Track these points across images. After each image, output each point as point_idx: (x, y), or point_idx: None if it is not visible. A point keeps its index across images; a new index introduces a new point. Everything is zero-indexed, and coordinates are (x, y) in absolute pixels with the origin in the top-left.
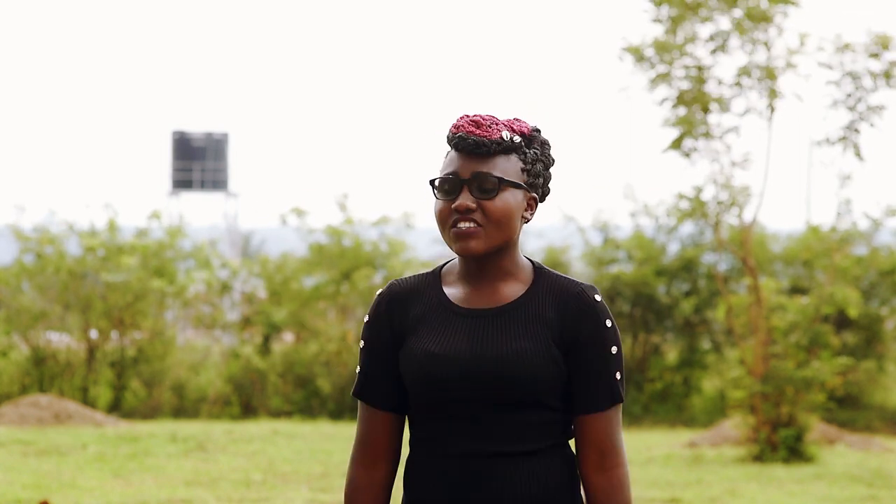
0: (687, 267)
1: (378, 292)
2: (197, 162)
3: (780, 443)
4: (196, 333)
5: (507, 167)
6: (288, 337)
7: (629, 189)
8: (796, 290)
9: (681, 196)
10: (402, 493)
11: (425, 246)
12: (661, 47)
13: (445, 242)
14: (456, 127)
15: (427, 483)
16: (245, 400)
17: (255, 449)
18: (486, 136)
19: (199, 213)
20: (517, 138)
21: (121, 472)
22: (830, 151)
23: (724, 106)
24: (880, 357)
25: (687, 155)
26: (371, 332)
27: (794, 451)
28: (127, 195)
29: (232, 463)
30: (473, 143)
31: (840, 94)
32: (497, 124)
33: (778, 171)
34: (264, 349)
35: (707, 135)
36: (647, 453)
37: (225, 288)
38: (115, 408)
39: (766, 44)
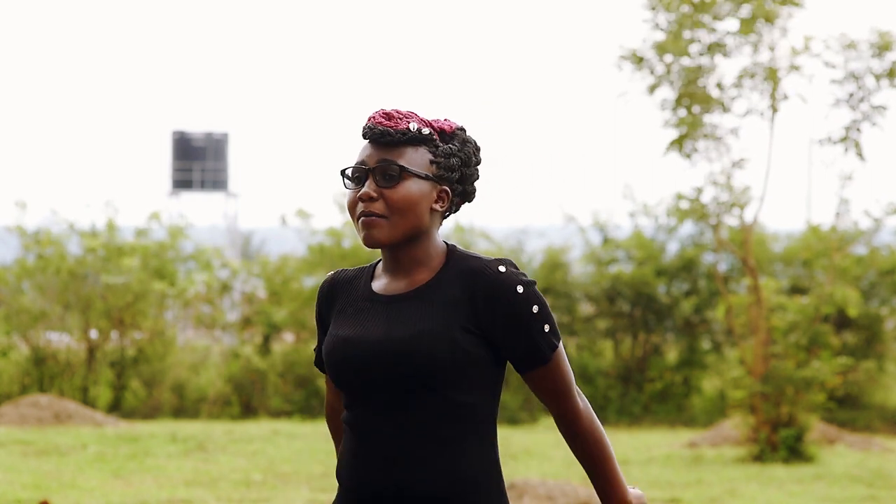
0: (687, 267)
1: (326, 278)
2: (197, 162)
3: (780, 443)
4: (196, 333)
5: (414, 157)
6: (288, 337)
7: (628, 190)
8: (796, 290)
9: (680, 196)
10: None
11: None
12: (662, 48)
13: (356, 233)
14: (369, 118)
15: (347, 465)
16: (245, 400)
17: (255, 449)
18: (392, 127)
19: (199, 213)
20: (426, 130)
21: (121, 472)
22: (832, 151)
23: (725, 107)
24: (880, 357)
25: (688, 156)
26: (316, 313)
27: (794, 451)
28: (127, 195)
29: (232, 463)
30: (380, 133)
31: (842, 94)
32: (410, 118)
33: (778, 170)
34: (264, 349)
35: (708, 136)
36: (647, 453)
37: (225, 288)
38: (115, 408)
39: (770, 46)
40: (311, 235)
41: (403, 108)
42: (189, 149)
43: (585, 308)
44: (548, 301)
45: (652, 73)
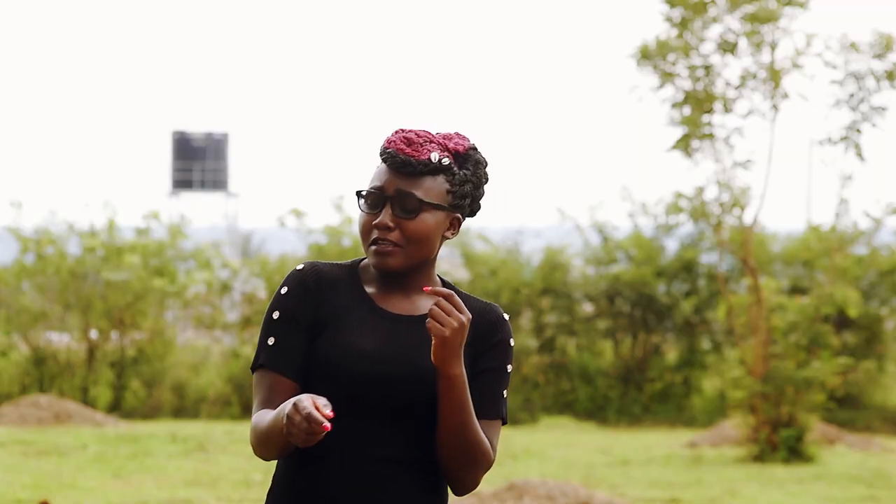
0: (686, 267)
1: (299, 267)
2: (197, 162)
3: (780, 443)
4: (196, 333)
5: (433, 188)
6: None
7: (626, 192)
8: (796, 290)
9: (679, 195)
10: (281, 482)
11: None
12: (665, 48)
13: (366, 254)
14: (388, 142)
15: (321, 479)
16: (245, 400)
17: None
18: (414, 156)
19: (199, 213)
20: (446, 160)
21: (121, 472)
22: (832, 151)
23: (727, 106)
24: (880, 357)
25: (689, 155)
26: (291, 304)
27: (794, 451)
28: (127, 195)
29: (232, 463)
30: (401, 162)
31: (843, 94)
32: (430, 143)
33: (778, 170)
34: None
35: (711, 136)
36: (647, 453)
37: (225, 288)
38: (115, 408)
39: (772, 46)
40: (308, 235)
41: (420, 129)
42: (189, 149)
43: (585, 308)
44: (548, 301)
45: (656, 68)
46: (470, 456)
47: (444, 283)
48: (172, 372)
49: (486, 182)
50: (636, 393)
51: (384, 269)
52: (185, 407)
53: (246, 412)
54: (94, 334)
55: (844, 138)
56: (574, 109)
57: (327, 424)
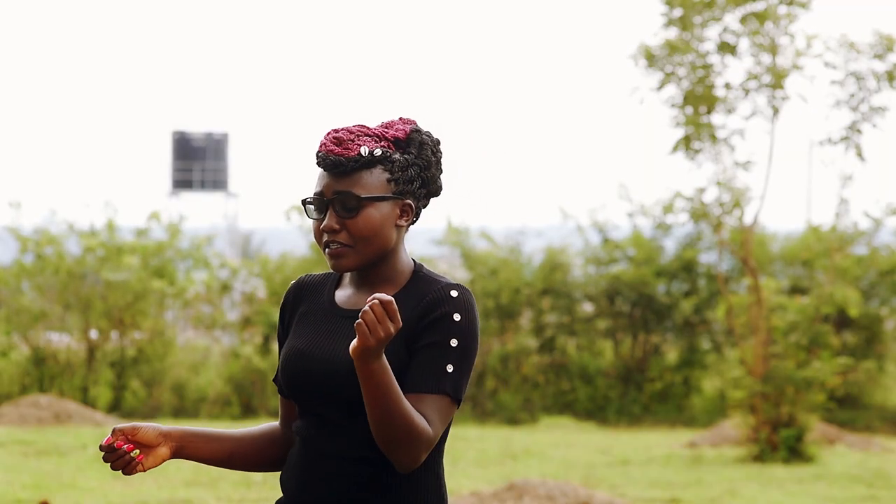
0: (686, 267)
1: (291, 283)
2: (197, 162)
3: (781, 443)
4: (196, 334)
5: (370, 181)
6: None
7: (623, 190)
8: (796, 290)
9: (678, 195)
10: None
11: (423, 245)
12: (672, 47)
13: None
14: (320, 145)
15: (290, 474)
16: (245, 400)
17: None
18: (343, 155)
19: (199, 213)
20: (378, 151)
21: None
22: (832, 151)
23: (730, 107)
24: (880, 357)
25: (692, 156)
26: (279, 320)
27: (794, 451)
28: (127, 195)
29: None
30: (332, 163)
31: (843, 95)
32: (360, 137)
33: (778, 170)
34: (264, 349)
35: (712, 137)
36: (647, 453)
37: (225, 288)
38: (115, 408)
39: (772, 47)
40: (310, 232)
41: (353, 125)
42: (189, 149)
43: (585, 308)
44: (548, 301)
45: (661, 69)
46: (399, 436)
47: (416, 266)
48: (172, 372)
49: (436, 160)
50: (636, 393)
51: (341, 271)
52: (184, 407)
53: (246, 412)
54: (94, 334)
55: (844, 138)
56: (576, 110)
57: (136, 451)
